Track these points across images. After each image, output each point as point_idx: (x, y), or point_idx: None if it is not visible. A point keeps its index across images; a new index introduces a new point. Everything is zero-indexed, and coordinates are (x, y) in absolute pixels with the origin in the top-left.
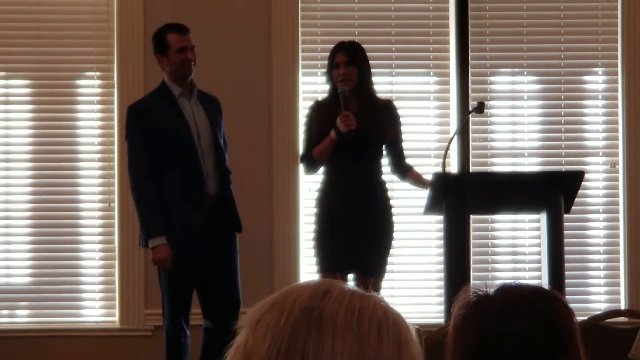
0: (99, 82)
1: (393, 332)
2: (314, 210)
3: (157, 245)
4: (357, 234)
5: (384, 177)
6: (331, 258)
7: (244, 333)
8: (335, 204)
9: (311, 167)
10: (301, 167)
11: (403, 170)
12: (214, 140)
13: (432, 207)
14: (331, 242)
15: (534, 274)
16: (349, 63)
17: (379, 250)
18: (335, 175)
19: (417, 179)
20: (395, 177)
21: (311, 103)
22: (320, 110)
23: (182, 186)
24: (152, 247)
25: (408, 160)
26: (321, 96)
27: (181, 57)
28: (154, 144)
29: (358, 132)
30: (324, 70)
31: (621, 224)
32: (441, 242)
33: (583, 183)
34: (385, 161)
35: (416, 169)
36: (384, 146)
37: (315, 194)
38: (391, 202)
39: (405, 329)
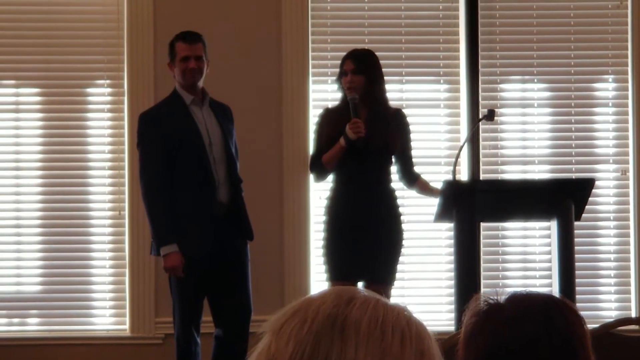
0: (109, 89)
1: (415, 342)
2: (323, 218)
3: (169, 253)
4: (367, 242)
5: (394, 185)
6: (341, 266)
7: (267, 338)
8: (344, 212)
9: (320, 174)
10: (310, 174)
11: (411, 178)
12: (225, 148)
13: (443, 215)
14: (341, 250)
15: (545, 281)
16: (357, 71)
17: (389, 258)
18: (344, 183)
19: (425, 188)
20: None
21: (321, 110)
22: (330, 117)
23: (193, 194)
24: (164, 254)
25: (417, 168)
26: (331, 103)
27: (183, 66)
28: (166, 152)
29: (367, 140)
30: (334, 78)
31: (632, 231)
32: (451, 249)
33: (593, 190)
34: (393, 169)
35: (427, 176)
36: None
37: (325, 202)
38: (401, 209)
39: (428, 339)
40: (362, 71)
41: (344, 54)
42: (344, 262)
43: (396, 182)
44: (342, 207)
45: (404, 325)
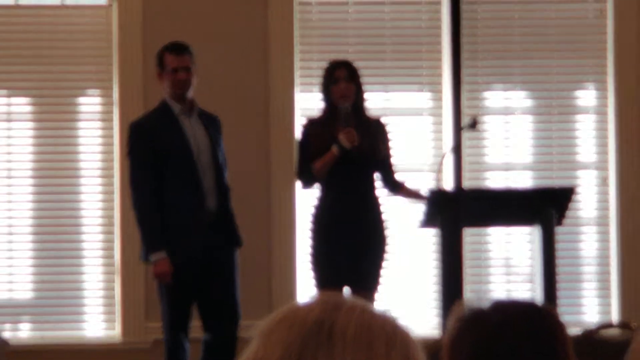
0: (99, 99)
1: (401, 349)
2: (310, 226)
3: (158, 260)
4: (352, 248)
5: (378, 193)
6: (327, 274)
7: (255, 344)
8: (330, 220)
9: (310, 182)
10: (298, 183)
11: (394, 185)
12: (213, 157)
13: (428, 221)
14: (327, 257)
15: (528, 286)
16: (349, 79)
17: (373, 264)
18: (330, 191)
19: (410, 194)
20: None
21: (304, 121)
22: (315, 127)
23: (182, 202)
24: (153, 261)
25: (401, 176)
26: (312, 114)
27: (172, 77)
28: (155, 161)
29: (359, 149)
30: (320, 89)
31: (612, 237)
32: (436, 255)
33: (575, 197)
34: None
35: (410, 184)
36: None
37: (312, 210)
38: (384, 216)
39: (413, 346)
40: (353, 80)
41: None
42: (330, 269)
43: (380, 189)
44: (328, 215)
45: (390, 332)
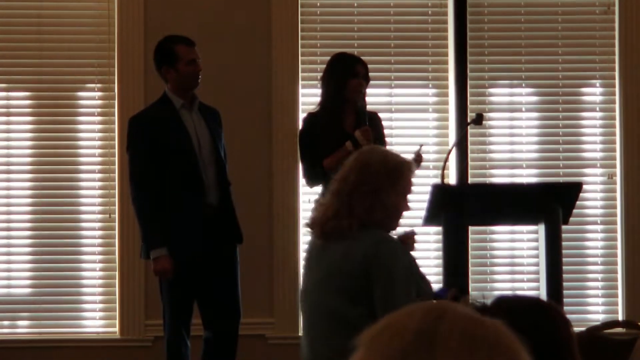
0: (99, 93)
1: (506, 358)
2: None
3: (158, 256)
4: None
5: None
6: None
7: (359, 353)
8: None
9: (318, 178)
10: (307, 180)
11: None
12: (214, 151)
13: (431, 218)
14: None
15: (532, 284)
16: (364, 77)
17: None
18: None
19: None
20: None
21: (305, 116)
22: (322, 120)
23: (183, 197)
24: (153, 258)
25: None
26: (312, 109)
27: (192, 69)
28: (155, 155)
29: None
30: (327, 80)
31: (619, 234)
32: (440, 252)
33: (581, 194)
34: None
35: (415, 180)
36: None
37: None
38: None
39: (519, 354)
40: (367, 77)
41: (339, 54)
42: None
43: None
44: None
45: (494, 343)
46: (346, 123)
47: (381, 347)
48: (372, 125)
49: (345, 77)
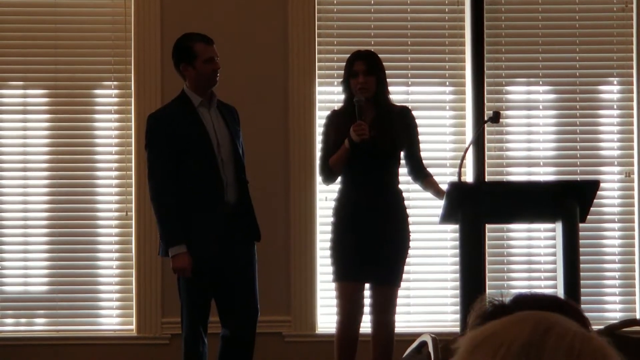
0: (116, 91)
1: None
2: (332, 219)
3: (177, 254)
4: (374, 243)
5: (401, 186)
6: (348, 267)
7: (461, 356)
8: (351, 213)
9: (329, 177)
10: (319, 177)
11: (422, 177)
12: (233, 149)
13: (448, 216)
14: (348, 251)
15: (550, 282)
16: (368, 72)
17: (395, 259)
18: (351, 184)
19: (432, 187)
20: (411, 187)
21: (328, 113)
22: (336, 120)
23: (201, 195)
24: (172, 255)
25: (428, 169)
26: (337, 105)
27: (211, 67)
28: (174, 153)
29: (374, 142)
30: (341, 80)
31: (636, 233)
32: (457, 251)
33: (598, 192)
34: (403, 170)
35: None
36: (401, 154)
37: (333, 204)
38: (408, 211)
39: None
40: (373, 72)
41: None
42: (351, 263)
43: (404, 183)
44: (350, 208)
45: (601, 358)
46: (354, 121)
47: (487, 357)
48: (399, 120)
49: (348, 77)
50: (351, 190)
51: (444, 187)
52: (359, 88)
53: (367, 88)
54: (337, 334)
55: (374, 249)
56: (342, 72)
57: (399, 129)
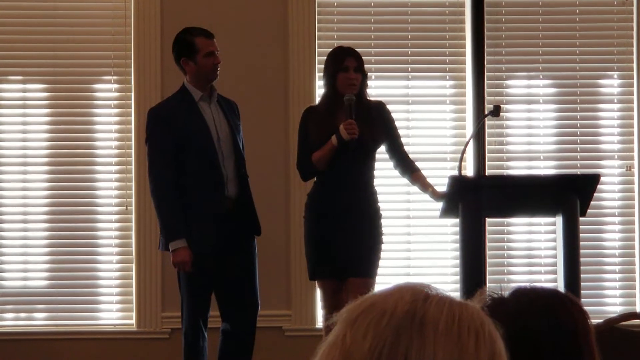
0: (116, 85)
1: (489, 343)
2: (304, 214)
3: (178, 248)
4: (346, 238)
5: (375, 183)
6: (322, 264)
7: (340, 330)
8: (324, 209)
9: (310, 173)
10: (298, 172)
11: (410, 171)
12: (234, 144)
13: (448, 210)
14: (320, 247)
15: (550, 276)
16: (358, 69)
17: (370, 252)
18: (325, 179)
19: (420, 182)
20: (397, 182)
21: (304, 110)
22: (314, 117)
23: (202, 189)
24: (173, 250)
25: (423, 164)
26: (312, 102)
27: (211, 61)
28: (175, 148)
29: (360, 140)
30: (323, 75)
31: (637, 226)
32: (457, 245)
33: (598, 186)
34: (378, 165)
35: (432, 172)
36: (386, 149)
37: (305, 199)
38: (380, 205)
39: (499, 341)
40: (361, 70)
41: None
42: (322, 261)
43: (379, 178)
44: (324, 204)
45: (478, 325)
46: (337, 117)
47: (371, 325)
48: (377, 116)
49: (335, 71)
50: (325, 185)
51: (443, 181)
52: (348, 84)
53: (356, 85)
54: (325, 326)
55: (347, 244)
56: None
57: (378, 124)
